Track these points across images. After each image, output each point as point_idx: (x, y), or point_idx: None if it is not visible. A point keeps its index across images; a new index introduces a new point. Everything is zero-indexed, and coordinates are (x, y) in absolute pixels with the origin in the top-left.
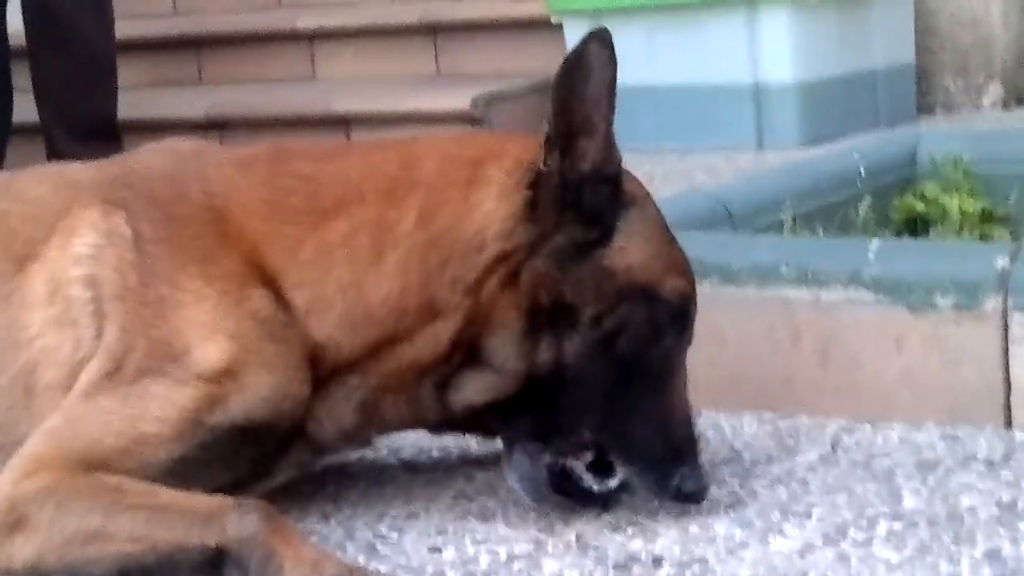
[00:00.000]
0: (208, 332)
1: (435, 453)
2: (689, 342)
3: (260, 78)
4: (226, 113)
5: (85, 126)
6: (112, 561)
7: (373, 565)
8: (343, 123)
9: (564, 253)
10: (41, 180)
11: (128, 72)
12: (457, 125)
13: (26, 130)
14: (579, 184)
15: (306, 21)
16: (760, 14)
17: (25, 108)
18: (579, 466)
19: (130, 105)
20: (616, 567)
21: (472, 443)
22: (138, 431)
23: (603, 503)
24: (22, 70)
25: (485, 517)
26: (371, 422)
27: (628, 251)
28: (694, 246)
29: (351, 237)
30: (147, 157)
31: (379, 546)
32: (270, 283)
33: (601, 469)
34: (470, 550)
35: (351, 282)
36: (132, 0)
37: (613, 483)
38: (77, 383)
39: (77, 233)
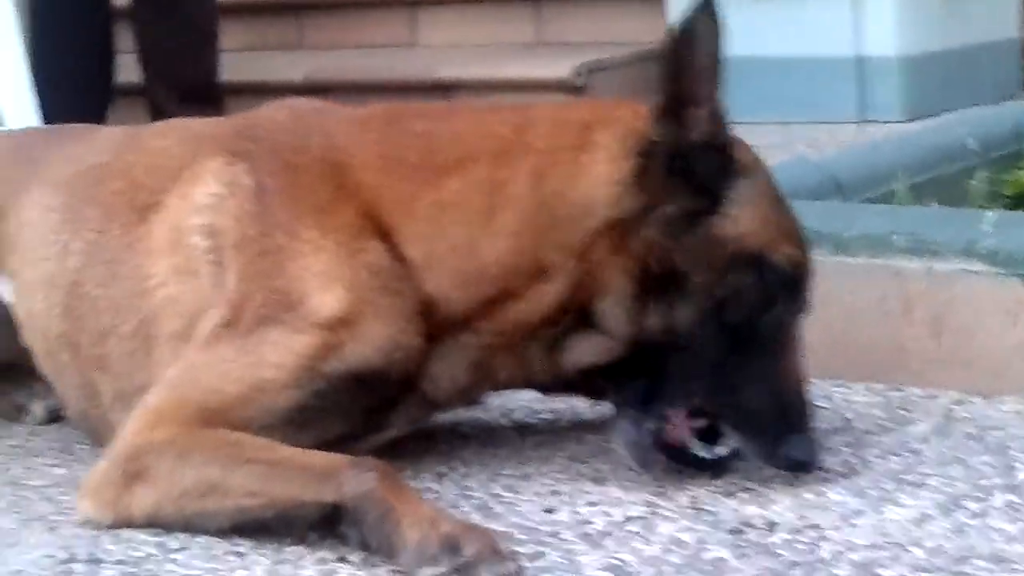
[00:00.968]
0: (325, 281)
1: (546, 416)
2: (804, 310)
3: (361, 43)
4: (327, 78)
5: (187, 88)
6: (229, 515)
7: (488, 524)
8: (444, 89)
9: (674, 221)
10: (166, 133)
11: (229, 35)
12: (558, 93)
13: (128, 91)
14: (688, 153)
15: None
16: None
17: (127, 69)
18: (688, 434)
19: (231, 68)
20: (731, 531)
21: (582, 406)
22: (256, 378)
23: (712, 471)
24: (124, 31)
25: (598, 480)
26: (483, 380)
27: (738, 219)
28: (804, 215)
29: (464, 195)
30: (270, 112)
31: (494, 506)
32: (385, 236)
33: (710, 436)
34: (584, 511)
35: (463, 240)
36: None
37: (722, 451)
38: (196, 332)
39: (200, 182)
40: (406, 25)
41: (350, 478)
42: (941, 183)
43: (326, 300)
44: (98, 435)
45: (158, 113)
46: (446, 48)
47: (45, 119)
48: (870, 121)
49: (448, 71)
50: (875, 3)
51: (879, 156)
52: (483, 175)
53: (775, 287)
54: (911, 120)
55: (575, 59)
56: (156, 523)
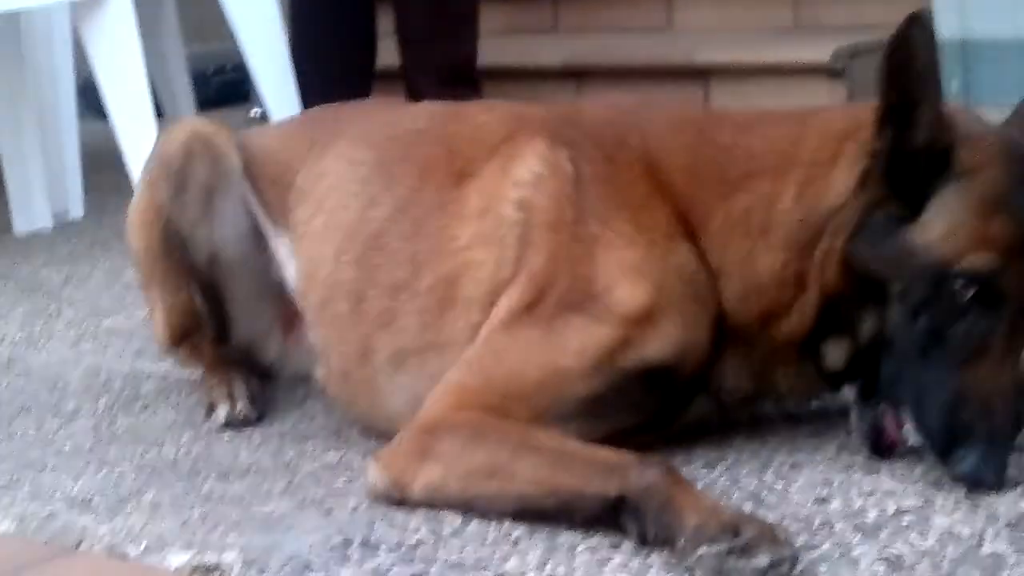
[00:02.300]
0: (635, 275)
1: (814, 405)
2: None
3: (616, 27)
4: (583, 62)
5: (446, 71)
6: (511, 500)
7: (760, 513)
8: (701, 75)
9: (880, 228)
10: (489, 110)
11: (485, 20)
12: (817, 78)
13: (386, 75)
14: (905, 158)
15: None
16: None
17: (385, 53)
18: (900, 427)
19: (487, 52)
20: (1008, 525)
21: (851, 397)
22: (557, 364)
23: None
24: (383, 15)
25: (870, 470)
26: (765, 389)
27: (931, 226)
28: None
29: (749, 211)
30: (591, 105)
31: (765, 495)
32: (693, 242)
33: None
34: (857, 502)
35: (746, 253)
36: None
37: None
38: (496, 310)
39: (521, 159)
40: (662, 8)
41: (636, 472)
42: None
43: (633, 294)
44: (357, 400)
45: (416, 96)
46: (702, 32)
47: (305, 104)
48: None
49: (705, 55)
50: None
51: None
52: (764, 191)
53: (961, 298)
54: None
55: (833, 43)
56: (434, 500)
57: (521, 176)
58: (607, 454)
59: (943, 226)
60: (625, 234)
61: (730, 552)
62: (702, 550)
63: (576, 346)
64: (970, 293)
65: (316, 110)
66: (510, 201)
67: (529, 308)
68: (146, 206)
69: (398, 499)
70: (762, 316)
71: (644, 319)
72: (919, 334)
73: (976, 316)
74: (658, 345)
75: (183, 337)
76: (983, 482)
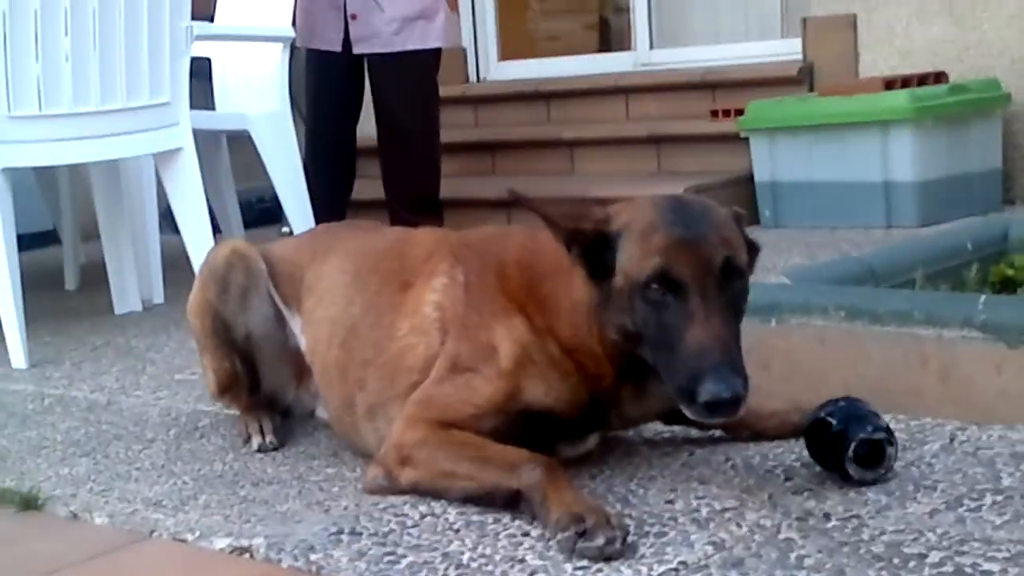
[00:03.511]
0: (505, 342)
1: (666, 435)
2: (699, 282)
3: (536, 171)
4: None
5: (417, 203)
6: (458, 491)
7: (627, 510)
8: (597, 203)
9: (605, 297)
10: (425, 236)
11: (443, 166)
12: None
13: (375, 204)
14: (580, 255)
15: (568, 133)
16: (890, 132)
17: (373, 188)
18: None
19: (445, 189)
20: (797, 519)
21: (694, 432)
22: (470, 408)
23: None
24: (372, 163)
25: (703, 480)
26: (634, 414)
27: (621, 269)
28: (850, 297)
29: (545, 298)
30: (479, 231)
31: (630, 498)
32: (524, 316)
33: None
34: (693, 503)
35: (548, 325)
36: (446, 116)
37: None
38: (432, 373)
39: (435, 274)
40: (567, 159)
41: (527, 471)
42: (947, 274)
43: (508, 354)
44: (349, 436)
45: (395, 219)
46: (595, 175)
47: (317, 220)
48: (894, 227)
49: (597, 191)
50: (898, 142)
51: (903, 253)
52: (549, 287)
53: (656, 293)
54: (924, 226)
55: (684, 183)
56: (415, 491)
57: (435, 286)
58: (513, 455)
59: (626, 263)
60: (492, 317)
61: (577, 536)
62: (559, 536)
63: (477, 399)
64: (659, 288)
65: (319, 229)
66: (429, 304)
67: (450, 370)
68: (200, 300)
69: (390, 489)
70: (586, 372)
71: (518, 371)
72: (653, 332)
73: (674, 300)
74: (534, 392)
75: (227, 389)
76: (723, 402)
